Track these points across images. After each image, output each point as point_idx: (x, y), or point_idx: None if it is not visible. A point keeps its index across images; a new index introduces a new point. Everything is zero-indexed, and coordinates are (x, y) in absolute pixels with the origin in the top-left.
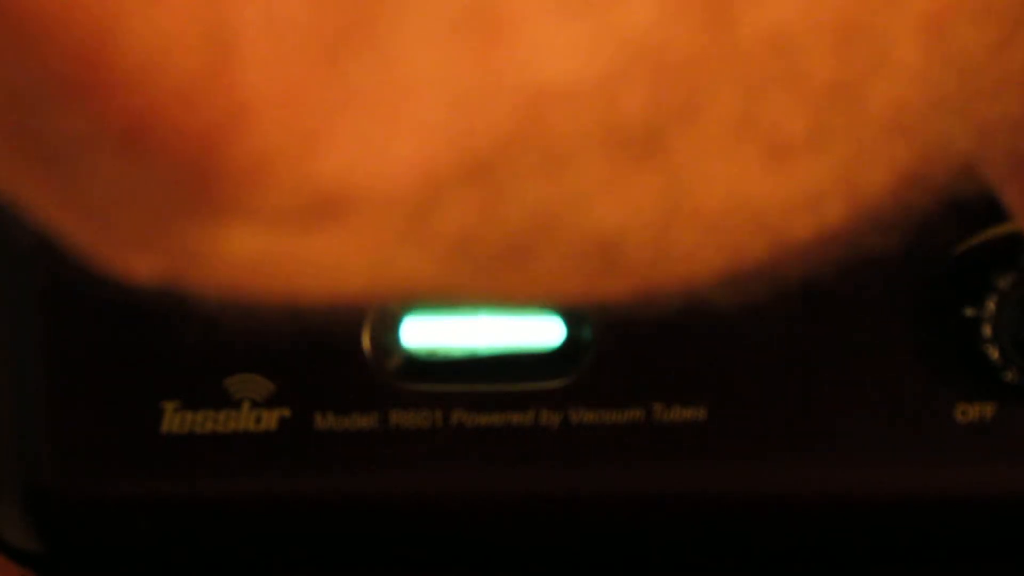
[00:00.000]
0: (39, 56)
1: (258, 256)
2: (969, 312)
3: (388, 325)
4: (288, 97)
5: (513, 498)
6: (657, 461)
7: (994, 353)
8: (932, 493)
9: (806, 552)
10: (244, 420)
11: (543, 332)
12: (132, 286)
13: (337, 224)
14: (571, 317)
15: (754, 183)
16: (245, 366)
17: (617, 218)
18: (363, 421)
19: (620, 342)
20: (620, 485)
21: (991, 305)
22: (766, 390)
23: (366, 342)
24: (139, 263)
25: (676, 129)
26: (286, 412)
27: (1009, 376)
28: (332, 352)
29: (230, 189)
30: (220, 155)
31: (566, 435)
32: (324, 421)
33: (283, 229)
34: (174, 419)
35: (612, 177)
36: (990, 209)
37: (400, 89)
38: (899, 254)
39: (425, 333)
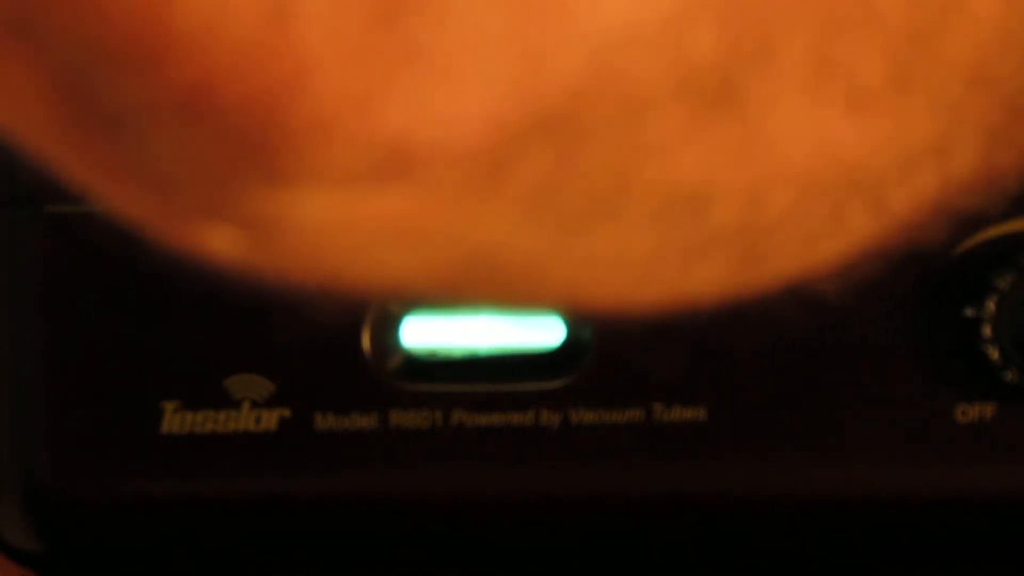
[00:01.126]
0: (98, 22)
1: (333, 220)
2: (969, 312)
3: (388, 325)
4: (348, 55)
5: (513, 498)
6: (657, 461)
7: (994, 353)
8: (932, 493)
9: (806, 552)
10: (244, 420)
11: (543, 332)
12: (210, 262)
13: (410, 182)
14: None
15: (839, 134)
16: (245, 366)
17: (701, 171)
18: (363, 421)
19: (620, 342)
20: (620, 485)
21: (991, 305)
22: (766, 390)
23: (366, 342)
24: (212, 235)
25: (750, 73)
26: (286, 412)
27: (1009, 376)
28: (332, 352)
29: (296, 150)
30: (283, 116)
31: (566, 435)
32: (324, 421)
33: (355, 188)
34: (174, 419)
35: (690, 126)
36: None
37: (462, 43)
38: (899, 254)
39: (425, 333)
